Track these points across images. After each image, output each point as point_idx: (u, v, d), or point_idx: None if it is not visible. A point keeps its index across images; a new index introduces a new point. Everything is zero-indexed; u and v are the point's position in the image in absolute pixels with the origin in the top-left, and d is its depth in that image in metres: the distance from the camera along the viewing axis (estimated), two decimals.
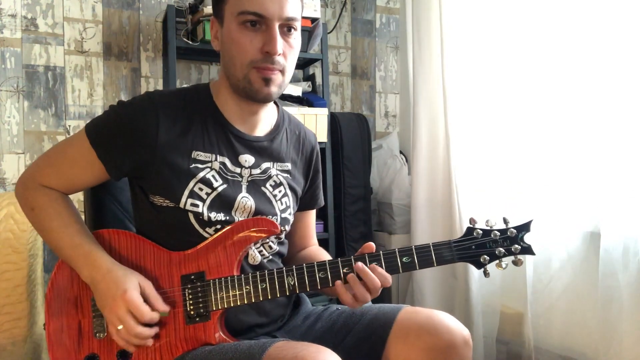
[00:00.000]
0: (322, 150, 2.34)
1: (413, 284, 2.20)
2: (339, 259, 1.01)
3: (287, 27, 1.02)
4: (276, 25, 0.99)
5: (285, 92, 2.30)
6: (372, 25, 2.88)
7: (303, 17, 1.10)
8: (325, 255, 1.24)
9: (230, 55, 1.02)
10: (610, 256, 1.53)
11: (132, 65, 2.35)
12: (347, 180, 2.44)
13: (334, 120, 2.43)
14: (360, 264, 0.99)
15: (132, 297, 0.95)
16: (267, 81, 1.01)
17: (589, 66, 1.63)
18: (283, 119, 1.19)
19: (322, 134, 2.29)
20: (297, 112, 2.21)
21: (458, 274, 2.04)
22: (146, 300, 0.98)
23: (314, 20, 2.26)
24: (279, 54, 1.00)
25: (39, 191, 1.07)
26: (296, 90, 2.33)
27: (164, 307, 0.99)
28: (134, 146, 1.03)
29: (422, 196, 2.16)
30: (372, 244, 1.02)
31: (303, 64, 2.57)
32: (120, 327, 0.96)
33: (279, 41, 1.00)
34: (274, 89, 1.03)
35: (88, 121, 1.09)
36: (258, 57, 1.00)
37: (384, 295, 2.44)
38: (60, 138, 2.21)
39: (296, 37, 1.05)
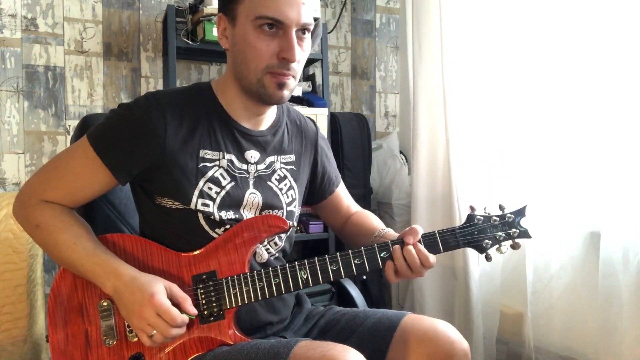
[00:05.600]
0: None
1: (413, 283, 2.19)
2: (350, 250, 1.02)
3: (301, 30, 1.02)
4: (293, 32, 0.99)
5: None
6: (372, 25, 2.88)
7: None
8: (372, 219, 1.24)
9: (243, 58, 1.01)
10: (610, 256, 1.53)
11: (132, 65, 2.34)
12: (347, 180, 2.44)
13: (334, 120, 2.43)
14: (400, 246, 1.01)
15: (160, 300, 0.92)
16: (281, 86, 1.02)
17: (590, 68, 1.63)
18: (282, 111, 1.20)
19: None
20: None
21: (458, 274, 2.04)
22: (175, 302, 0.95)
23: (314, 20, 2.25)
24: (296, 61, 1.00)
25: (43, 207, 1.02)
26: (296, 90, 2.33)
27: (193, 310, 0.96)
28: (143, 149, 1.00)
29: (422, 196, 2.15)
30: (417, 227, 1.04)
31: None
32: (153, 332, 0.92)
33: (297, 48, 1.00)
34: (286, 93, 1.04)
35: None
36: (274, 62, 1.00)
37: (384, 294, 2.45)
38: (60, 138, 2.21)
39: (308, 40, 1.05)
